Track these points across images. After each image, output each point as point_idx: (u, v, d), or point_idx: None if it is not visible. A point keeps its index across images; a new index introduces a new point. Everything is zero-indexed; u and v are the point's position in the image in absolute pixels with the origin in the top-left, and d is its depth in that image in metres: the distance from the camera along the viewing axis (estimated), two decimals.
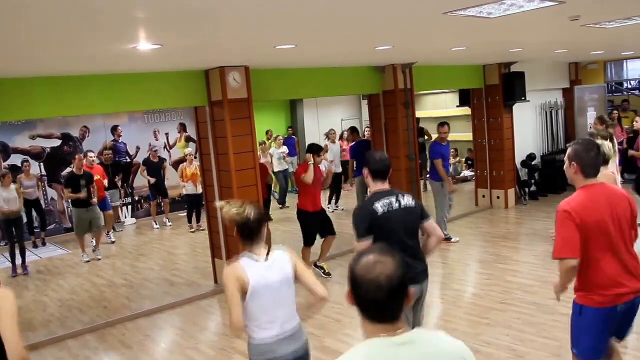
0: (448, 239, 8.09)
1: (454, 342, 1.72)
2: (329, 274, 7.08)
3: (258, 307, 2.87)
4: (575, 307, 3.21)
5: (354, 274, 1.65)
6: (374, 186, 3.54)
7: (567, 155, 3.22)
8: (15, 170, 9.75)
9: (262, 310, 2.87)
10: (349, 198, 12.75)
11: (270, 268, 2.88)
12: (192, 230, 10.50)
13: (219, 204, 3.06)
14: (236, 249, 3.04)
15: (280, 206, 12.04)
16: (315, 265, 7.13)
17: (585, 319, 3.14)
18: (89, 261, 8.91)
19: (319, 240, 7.08)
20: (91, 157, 9.87)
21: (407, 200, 3.52)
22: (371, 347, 1.63)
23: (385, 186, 3.54)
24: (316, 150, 6.87)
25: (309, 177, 6.62)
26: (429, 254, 3.76)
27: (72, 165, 9.26)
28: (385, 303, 1.62)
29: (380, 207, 3.39)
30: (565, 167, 3.26)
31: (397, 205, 3.45)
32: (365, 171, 3.58)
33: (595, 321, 3.11)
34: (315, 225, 6.88)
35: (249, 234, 2.90)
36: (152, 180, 10.79)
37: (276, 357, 2.88)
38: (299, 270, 2.98)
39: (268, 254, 2.92)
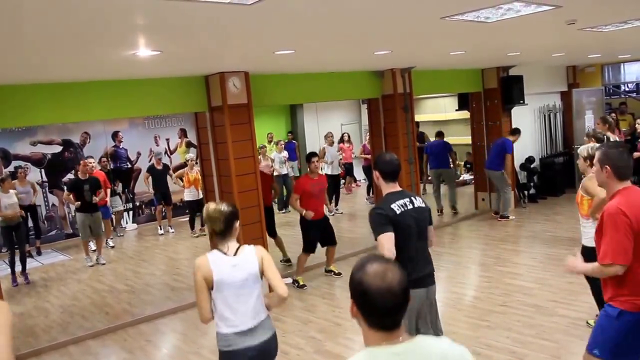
0: (505, 217, 9.52)
1: (456, 347, 1.73)
2: (339, 274, 7.19)
3: (222, 300, 3.00)
4: (612, 311, 3.06)
5: (363, 285, 1.63)
6: (387, 187, 3.57)
7: (596, 159, 3.12)
8: (15, 176, 9.78)
9: (225, 304, 3.00)
10: (348, 201, 12.80)
11: (237, 264, 3.00)
12: (195, 235, 10.52)
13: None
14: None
15: (283, 210, 12.05)
16: (326, 271, 7.27)
17: (624, 324, 3.01)
18: (92, 265, 8.96)
19: (321, 249, 7.17)
20: (91, 162, 9.88)
21: (419, 202, 3.57)
22: (371, 356, 1.65)
23: (396, 187, 3.58)
24: (307, 157, 7.09)
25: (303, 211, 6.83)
26: None
27: (74, 171, 9.28)
28: (398, 308, 1.64)
29: (396, 207, 3.43)
30: (595, 171, 3.17)
31: (411, 206, 3.49)
32: (376, 173, 3.62)
33: (636, 326, 3.01)
34: (315, 232, 6.92)
35: (219, 228, 3.02)
36: (152, 192, 10.90)
37: (239, 349, 3.01)
38: (265, 266, 3.08)
39: (237, 250, 3.04)
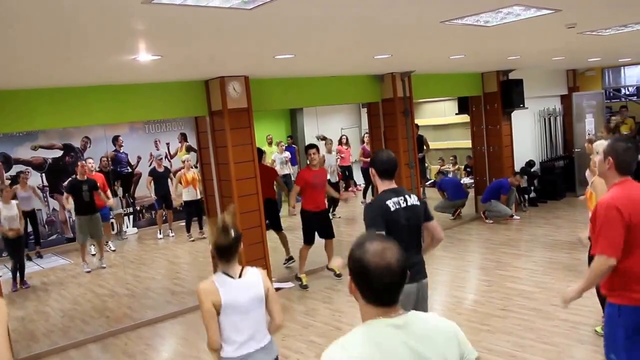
0: (511, 217, 9.86)
1: (447, 321, 1.82)
2: (339, 275, 7.21)
3: (228, 324, 2.95)
4: (612, 308, 3.09)
5: (363, 262, 1.69)
6: (382, 185, 3.62)
7: (602, 149, 3.19)
8: (16, 181, 9.78)
9: (232, 327, 2.95)
10: (347, 205, 12.75)
11: (243, 286, 2.96)
12: (192, 239, 10.50)
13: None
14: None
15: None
16: (327, 268, 7.35)
17: (626, 318, 3.02)
18: (89, 271, 8.93)
19: (322, 246, 7.21)
20: (90, 163, 9.86)
21: (414, 200, 3.62)
22: (371, 328, 1.70)
23: (392, 184, 3.63)
24: (306, 149, 7.23)
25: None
26: (427, 252, 3.87)
27: (74, 175, 9.25)
28: (396, 286, 1.70)
29: (391, 204, 3.49)
30: (598, 160, 3.23)
31: (404, 204, 3.55)
32: (372, 171, 3.65)
33: (636, 320, 3.00)
34: (315, 224, 7.05)
35: (225, 252, 2.95)
36: (154, 197, 10.87)
37: None
38: (268, 293, 3.05)
39: (241, 272, 2.99)
